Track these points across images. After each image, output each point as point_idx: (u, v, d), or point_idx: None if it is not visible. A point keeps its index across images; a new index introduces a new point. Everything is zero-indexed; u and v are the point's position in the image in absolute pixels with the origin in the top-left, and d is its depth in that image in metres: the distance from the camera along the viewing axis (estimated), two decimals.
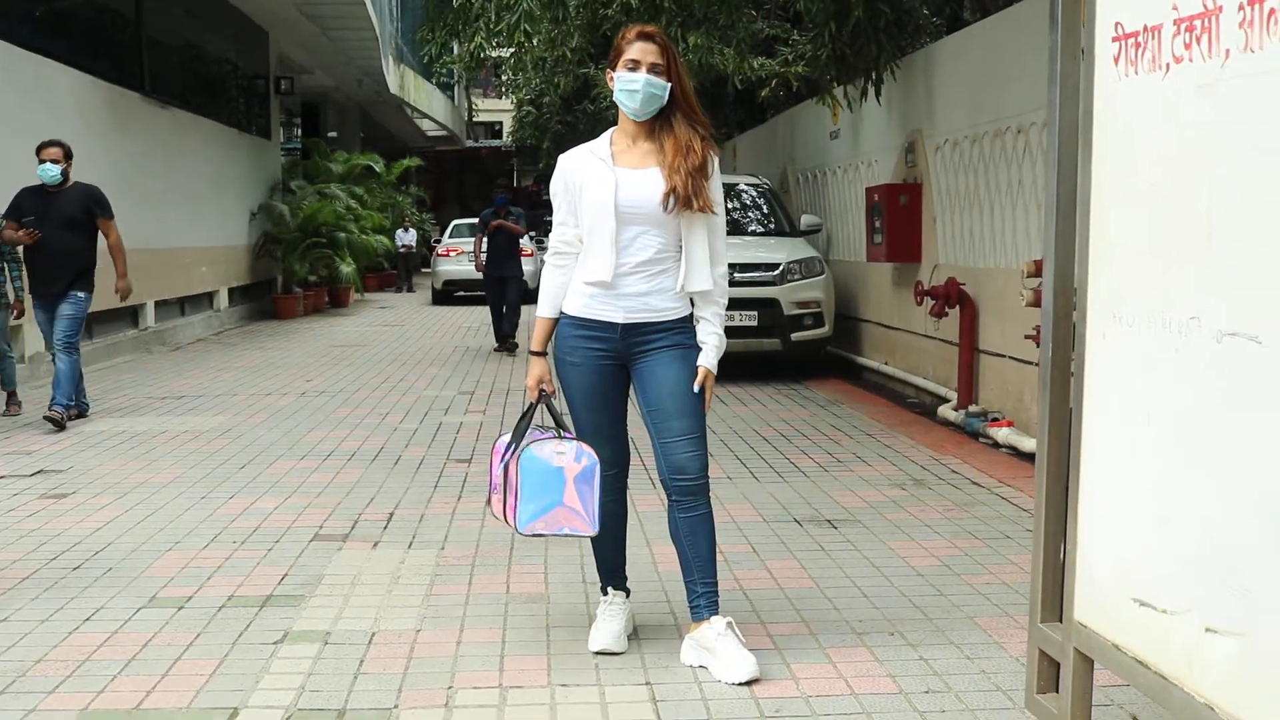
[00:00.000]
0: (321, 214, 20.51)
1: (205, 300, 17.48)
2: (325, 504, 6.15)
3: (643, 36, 3.85)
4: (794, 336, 11.16)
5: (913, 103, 10.34)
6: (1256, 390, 2.42)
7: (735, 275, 9.79)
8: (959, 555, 5.16)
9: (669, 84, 3.84)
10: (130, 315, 14.36)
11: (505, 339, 14.09)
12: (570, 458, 3.82)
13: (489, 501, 4.09)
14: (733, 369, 10.73)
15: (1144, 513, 2.83)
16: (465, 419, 9.01)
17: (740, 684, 3.68)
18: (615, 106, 3.98)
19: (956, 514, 5.90)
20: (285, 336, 16.54)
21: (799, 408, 9.50)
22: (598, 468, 3.83)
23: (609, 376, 3.93)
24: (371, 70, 25.14)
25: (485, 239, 14.14)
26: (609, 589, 4.12)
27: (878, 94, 10.25)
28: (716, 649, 3.78)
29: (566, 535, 3.93)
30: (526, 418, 3.99)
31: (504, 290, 14.05)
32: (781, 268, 11.13)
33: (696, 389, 3.85)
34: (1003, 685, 3.68)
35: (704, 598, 3.90)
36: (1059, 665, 3.24)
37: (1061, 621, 3.23)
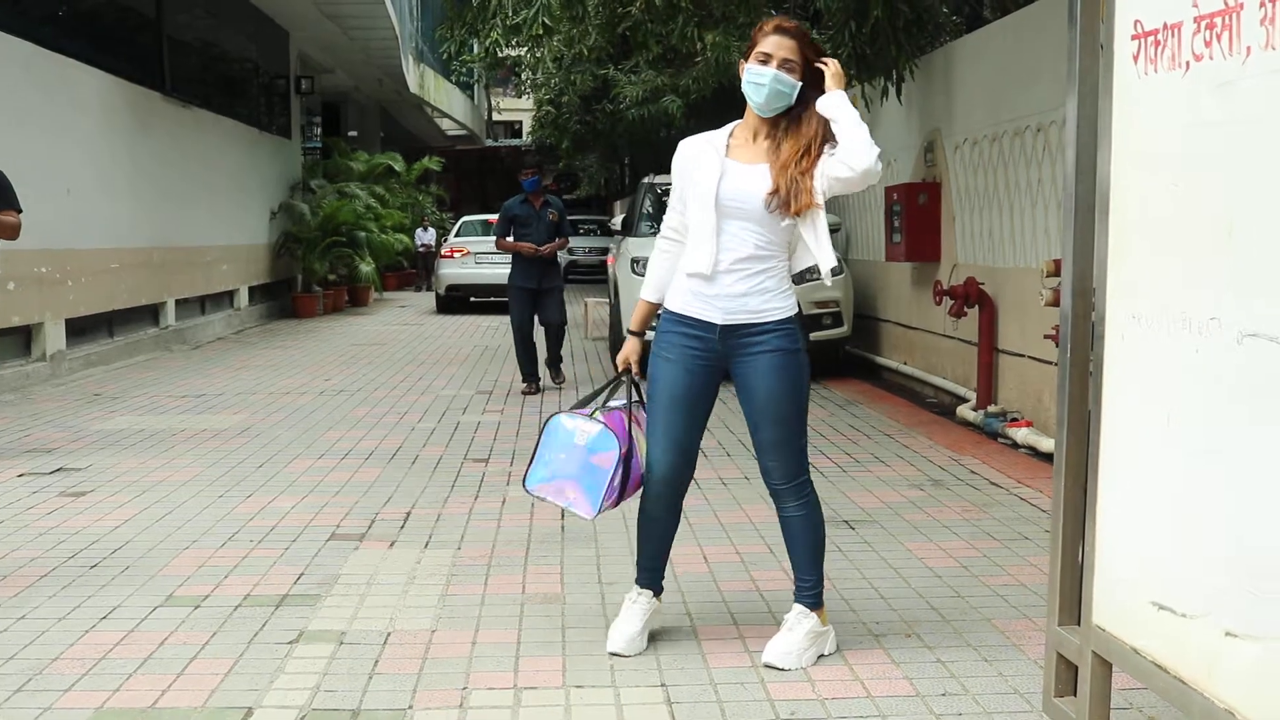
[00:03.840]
0: (341, 213, 20.54)
1: (225, 299, 17.55)
2: (342, 503, 6.15)
3: (780, 30, 3.78)
4: (813, 336, 11.10)
5: (932, 102, 10.30)
6: (1276, 391, 2.40)
7: None
8: (977, 556, 5.13)
9: (799, 83, 3.77)
10: (151, 314, 14.42)
11: (552, 367, 10.83)
12: (592, 436, 3.86)
13: None
14: None
15: (1163, 515, 2.80)
16: (483, 418, 9.01)
17: (766, 665, 3.81)
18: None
19: (975, 515, 5.87)
20: (305, 335, 16.58)
21: (817, 408, 9.46)
22: (617, 457, 3.82)
23: (701, 378, 3.87)
24: (391, 70, 25.20)
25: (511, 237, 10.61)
26: (637, 585, 4.07)
27: (898, 93, 10.21)
28: (784, 626, 3.92)
29: (566, 509, 3.95)
30: (604, 390, 4.07)
31: (539, 308, 10.58)
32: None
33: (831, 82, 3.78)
34: (1020, 688, 3.65)
35: (796, 588, 3.98)
36: (1077, 669, 3.22)
37: (1080, 624, 3.20)
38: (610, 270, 13.85)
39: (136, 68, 14.41)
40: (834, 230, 12.08)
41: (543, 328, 10.62)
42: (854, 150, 3.72)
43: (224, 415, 9.11)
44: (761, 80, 3.75)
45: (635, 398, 4.00)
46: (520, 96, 35.37)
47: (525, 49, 12.76)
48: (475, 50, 13.01)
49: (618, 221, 14.13)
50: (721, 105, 15.98)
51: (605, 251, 20.66)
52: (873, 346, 12.02)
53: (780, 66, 3.74)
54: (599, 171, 33.22)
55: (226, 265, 17.31)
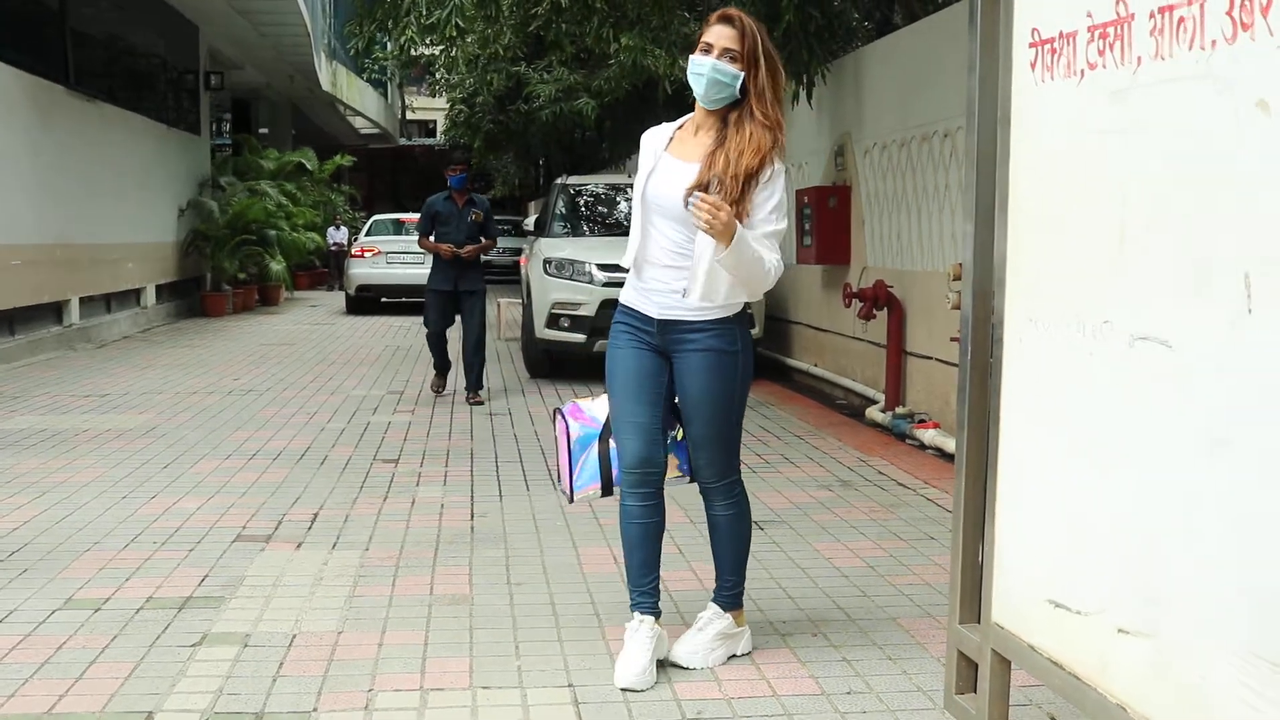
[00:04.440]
0: (251, 211, 20.27)
1: (132, 297, 17.22)
2: (249, 504, 6.07)
3: (723, 20, 3.68)
4: None
5: (842, 106, 10.41)
6: (1166, 393, 2.46)
7: None
8: (883, 556, 5.20)
9: (741, 74, 3.64)
10: (54, 311, 14.12)
11: (471, 388, 9.86)
12: (565, 422, 3.94)
13: None
14: None
15: (1059, 514, 2.86)
16: (394, 418, 8.95)
17: (673, 664, 3.83)
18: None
19: (882, 515, 5.94)
20: (213, 334, 16.34)
21: None
22: (565, 434, 3.90)
23: (649, 362, 3.82)
24: (303, 67, 24.90)
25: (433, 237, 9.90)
26: (636, 613, 3.83)
27: (809, 97, 10.30)
28: (695, 625, 3.94)
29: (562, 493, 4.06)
30: None
31: (459, 311, 9.92)
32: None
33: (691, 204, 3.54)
34: (923, 686, 3.71)
35: (716, 588, 3.99)
36: (977, 666, 3.27)
37: (980, 623, 3.26)
38: (523, 271, 13.81)
39: (39, 60, 14.08)
40: None
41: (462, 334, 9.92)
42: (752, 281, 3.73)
43: (129, 415, 8.95)
44: (700, 70, 3.66)
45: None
46: (434, 96, 35.07)
47: (439, 48, 12.69)
48: (389, 48, 12.94)
49: (531, 222, 14.10)
50: (635, 107, 16.01)
51: (519, 252, 20.61)
52: (784, 348, 12.12)
53: (720, 56, 3.64)
54: (514, 172, 33.07)
55: (132, 263, 17.00)
